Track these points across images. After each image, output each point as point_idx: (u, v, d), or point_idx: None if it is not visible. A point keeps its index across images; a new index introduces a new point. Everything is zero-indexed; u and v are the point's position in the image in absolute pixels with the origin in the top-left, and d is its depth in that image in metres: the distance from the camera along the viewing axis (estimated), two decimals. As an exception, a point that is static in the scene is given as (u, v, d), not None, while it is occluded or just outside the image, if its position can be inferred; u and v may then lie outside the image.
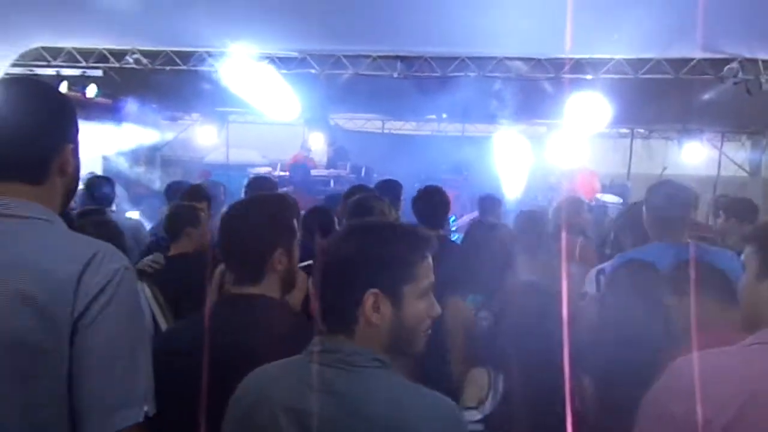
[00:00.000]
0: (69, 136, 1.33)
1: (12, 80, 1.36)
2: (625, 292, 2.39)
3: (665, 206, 2.87)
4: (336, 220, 3.63)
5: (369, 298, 1.32)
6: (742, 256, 1.48)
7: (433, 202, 3.85)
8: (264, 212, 1.79)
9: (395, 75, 6.59)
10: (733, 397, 1.20)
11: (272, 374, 1.42)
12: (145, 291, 2.31)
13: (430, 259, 1.42)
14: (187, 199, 4.10)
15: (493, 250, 2.81)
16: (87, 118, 8.28)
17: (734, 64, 5.83)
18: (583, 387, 2.12)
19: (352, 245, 1.40)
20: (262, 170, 9.62)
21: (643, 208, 2.97)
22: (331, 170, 9.35)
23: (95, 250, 1.21)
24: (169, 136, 10.62)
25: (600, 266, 3.04)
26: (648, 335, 2.11)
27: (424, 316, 1.40)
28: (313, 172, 8.99)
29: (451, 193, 4.17)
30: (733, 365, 1.28)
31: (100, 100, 7.55)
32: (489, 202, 5.58)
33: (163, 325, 2.37)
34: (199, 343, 1.49)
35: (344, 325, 1.35)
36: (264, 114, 8.30)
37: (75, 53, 6.62)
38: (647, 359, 1.69)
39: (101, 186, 4.92)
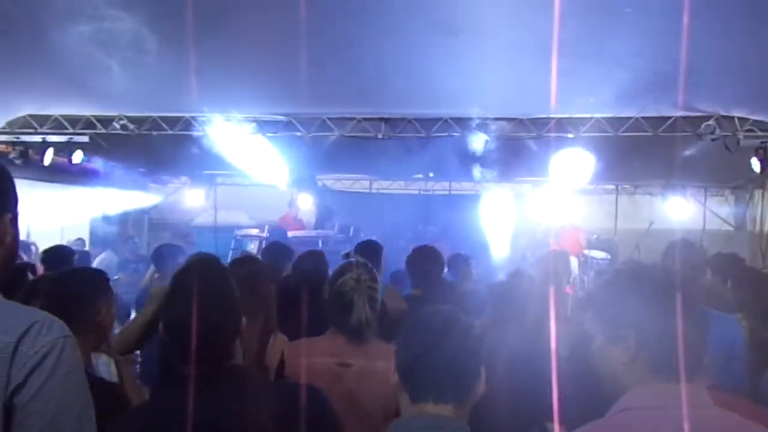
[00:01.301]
0: (7, 206, 1.29)
1: None
2: None
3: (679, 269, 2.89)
4: None
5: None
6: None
7: (426, 263, 3.83)
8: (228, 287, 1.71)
9: (380, 136, 6.67)
10: None
11: None
12: (110, 368, 2.20)
13: None
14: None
15: None
16: (73, 183, 8.30)
17: (711, 122, 5.95)
18: None
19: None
20: (252, 232, 9.57)
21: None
22: (319, 231, 9.32)
23: (32, 320, 1.15)
24: (157, 199, 10.62)
25: None
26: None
27: None
28: (296, 233, 8.88)
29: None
30: None
31: (87, 165, 7.57)
32: (457, 262, 5.48)
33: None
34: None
35: (460, 397, 1.46)
36: (252, 177, 8.33)
37: (62, 120, 6.68)
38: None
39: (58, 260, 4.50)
